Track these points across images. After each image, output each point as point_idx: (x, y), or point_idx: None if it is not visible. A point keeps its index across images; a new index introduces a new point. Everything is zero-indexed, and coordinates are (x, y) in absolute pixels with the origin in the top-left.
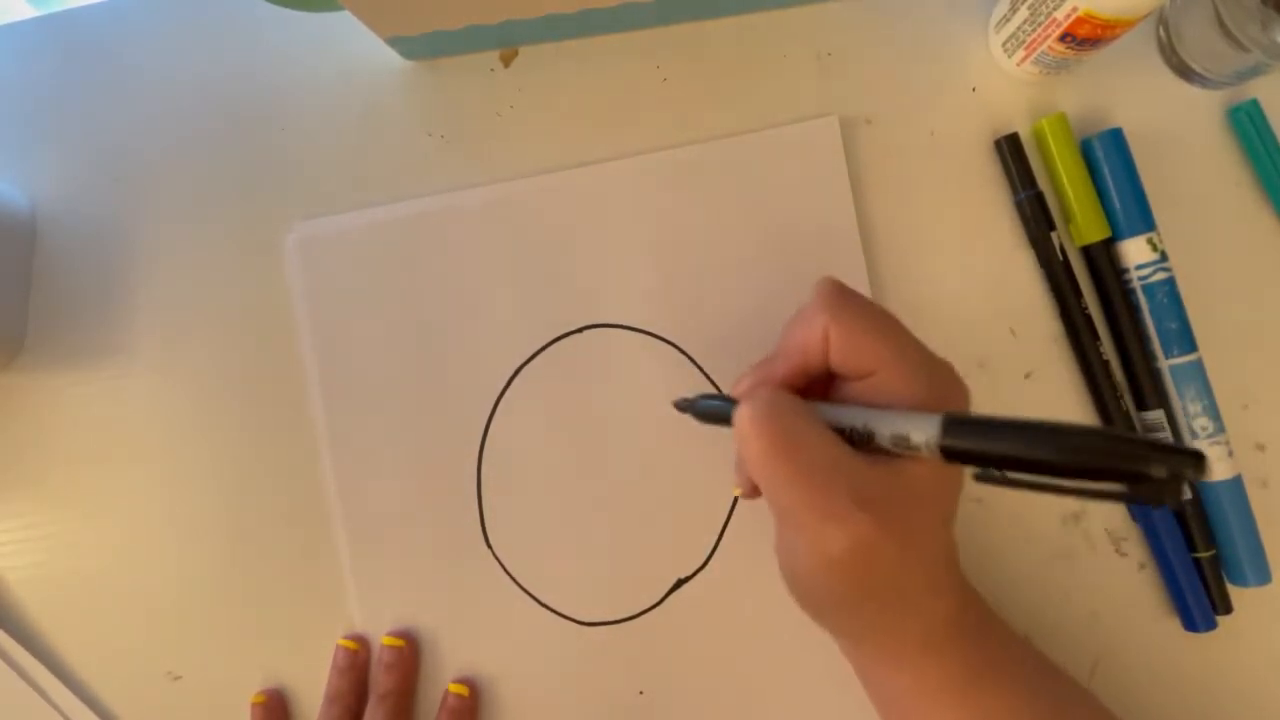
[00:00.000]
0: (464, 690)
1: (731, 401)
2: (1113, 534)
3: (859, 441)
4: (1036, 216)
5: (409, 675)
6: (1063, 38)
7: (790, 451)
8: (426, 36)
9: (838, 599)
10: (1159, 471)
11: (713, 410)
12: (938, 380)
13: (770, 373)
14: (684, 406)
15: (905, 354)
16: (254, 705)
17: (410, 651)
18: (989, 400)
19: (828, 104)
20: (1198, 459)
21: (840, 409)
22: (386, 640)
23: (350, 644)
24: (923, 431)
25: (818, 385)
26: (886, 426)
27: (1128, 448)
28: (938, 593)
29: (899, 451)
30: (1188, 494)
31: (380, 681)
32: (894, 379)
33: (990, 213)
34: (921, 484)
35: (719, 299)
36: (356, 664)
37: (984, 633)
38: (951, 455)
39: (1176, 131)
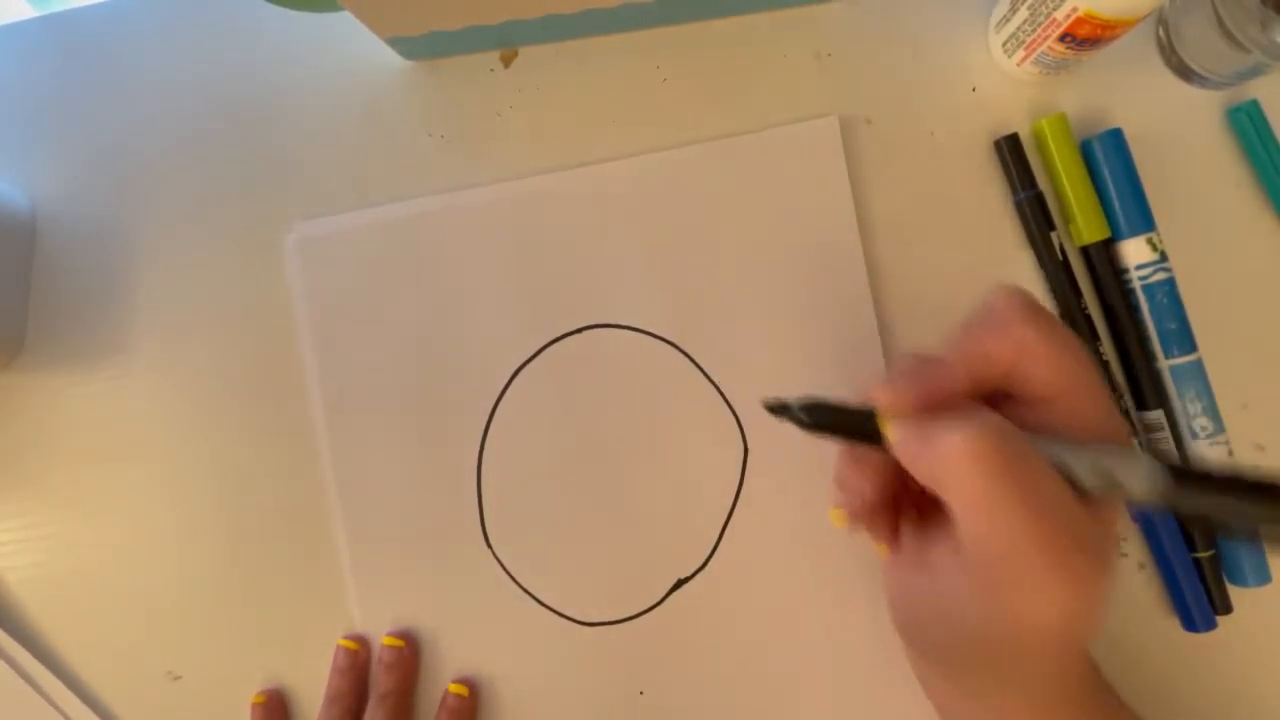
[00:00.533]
0: (463, 690)
1: (867, 413)
2: None
3: None
4: (1036, 216)
5: (409, 675)
6: (1063, 38)
7: (1025, 493)
8: (426, 36)
9: (995, 661)
10: None
11: (834, 420)
12: (1117, 413)
13: (938, 385)
14: (778, 409)
15: (1094, 378)
16: (254, 705)
17: (410, 651)
18: None
19: (828, 104)
20: None
21: (1037, 439)
22: (387, 640)
23: (350, 644)
24: (1137, 476)
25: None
26: (1087, 463)
27: None
28: (1078, 656)
29: (1095, 493)
30: None
31: (380, 681)
32: (1085, 406)
33: (990, 213)
34: (1112, 528)
35: (719, 299)
36: (357, 664)
37: (1098, 702)
38: (1173, 507)
39: (1176, 131)
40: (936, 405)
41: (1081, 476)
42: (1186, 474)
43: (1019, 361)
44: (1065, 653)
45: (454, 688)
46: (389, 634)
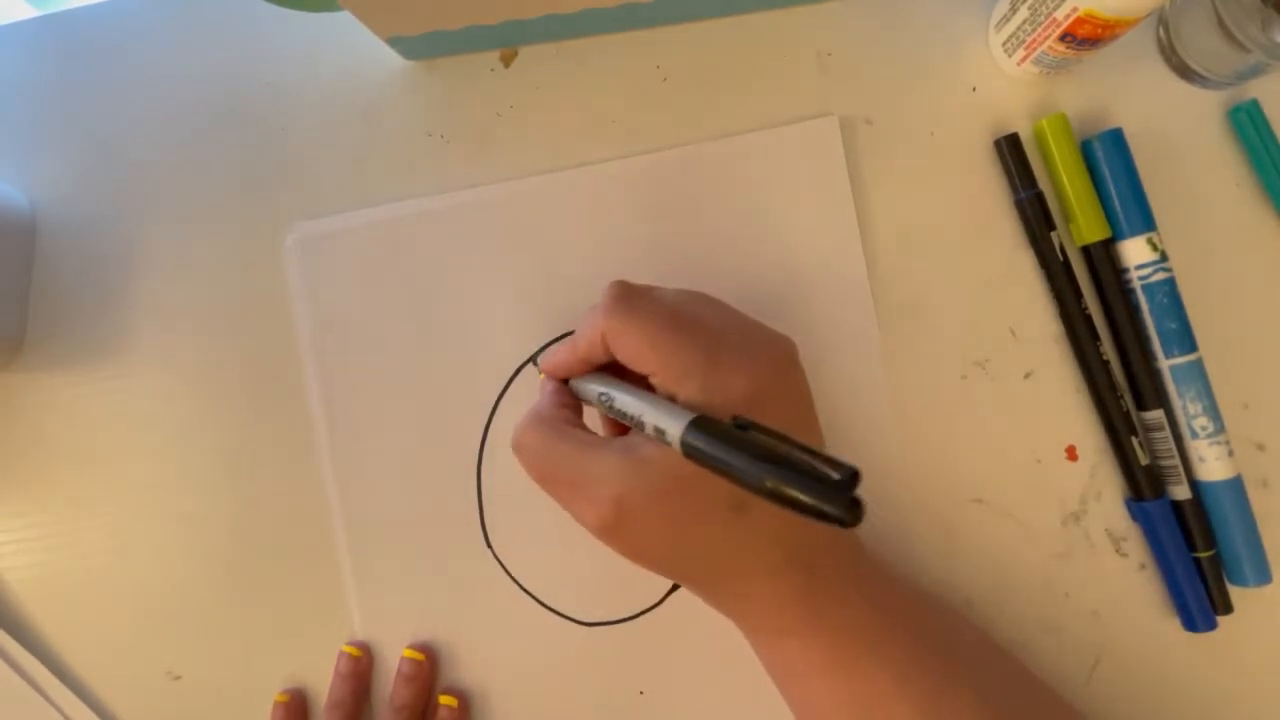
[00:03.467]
0: (453, 701)
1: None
2: (1113, 534)
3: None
4: (1036, 216)
5: (427, 689)
6: (1063, 38)
7: (543, 472)
8: (426, 36)
9: (638, 556)
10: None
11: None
12: (715, 382)
13: (563, 358)
14: (533, 359)
15: (674, 361)
16: (276, 704)
17: (429, 665)
18: (989, 400)
19: (828, 104)
20: (854, 507)
21: (625, 393)
22: (408, 653)
23: (354, 650)
24: (673, 429)
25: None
26: (650, 419)
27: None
28: (761, 572)
29: (658, 439)
30: None
31: (398, 693)
32: (667, 381)
33: (990, 213)
34: (683, 475)
35: (719, 299)
36: (359, 670)
37: (850, 605)
38: (690, 455)
39: (1176, 131)
40: (570, 372)
41: (649, 430)
42: (704, 428)
43: (610, 345)
44: (680, 567)
45: (444, 699)
46: (410, 646)
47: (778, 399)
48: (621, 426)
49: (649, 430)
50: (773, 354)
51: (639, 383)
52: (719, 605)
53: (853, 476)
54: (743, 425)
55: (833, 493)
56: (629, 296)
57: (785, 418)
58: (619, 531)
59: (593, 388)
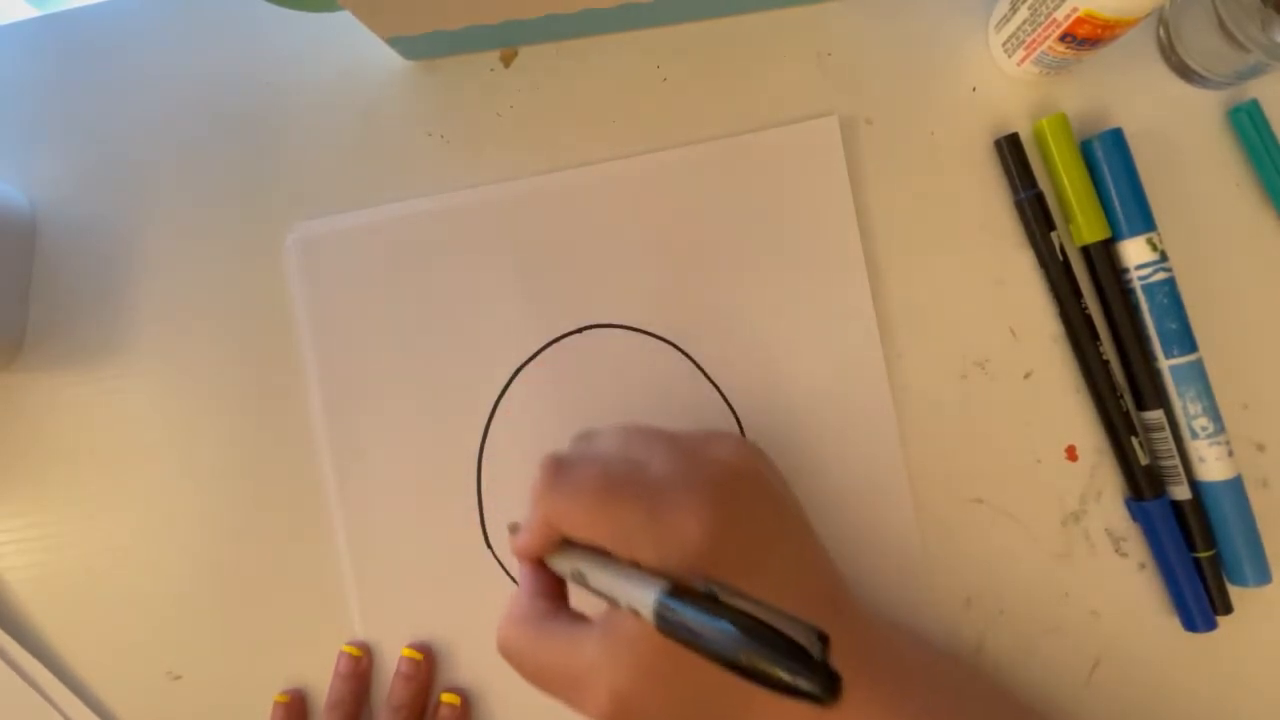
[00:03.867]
0: (455, 700)
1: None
2: (1113, 534)
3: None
4: (1036, 216)
5: (425, 689)
6: (1063, 38)
7: (534, 674)
8: (426, 36)
9: None
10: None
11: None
12: (665, 539)
13: (527, 543)
14: (511, 529)
15: (617, 528)
16: (276, 704)
17: (428, 665)
18: (989, 400)
19: (828, 104)
20: (833, 684)
21: (596, 569)
22: (406, 652)
23: (354, 650)
24: (645, 606)
25: None
26: (624, 598)
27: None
28: (770, 703)
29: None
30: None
31: (396, 693)
32: (620, 551)
33: (990, 213)
34: (667, 645)
35: (719, 299)
36: (359, 671)
37: (867, 704)
38: (666, 633)
39: (1176, 131)
40: (539, 552)
41: (625, 607)
42: (681, 606)
43: (556, 526)
44: None
45: (446, 697)
46: (409, 645)
47: (741, 533)
48: None
49: (625, 609)
50: (726, 479)
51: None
52: None
53: (821, 640)
54: (710, 593)
55: (802, 666)
56: (555, 472)
57: (755, 547)
58: (626, 718)
59: (565, 566)
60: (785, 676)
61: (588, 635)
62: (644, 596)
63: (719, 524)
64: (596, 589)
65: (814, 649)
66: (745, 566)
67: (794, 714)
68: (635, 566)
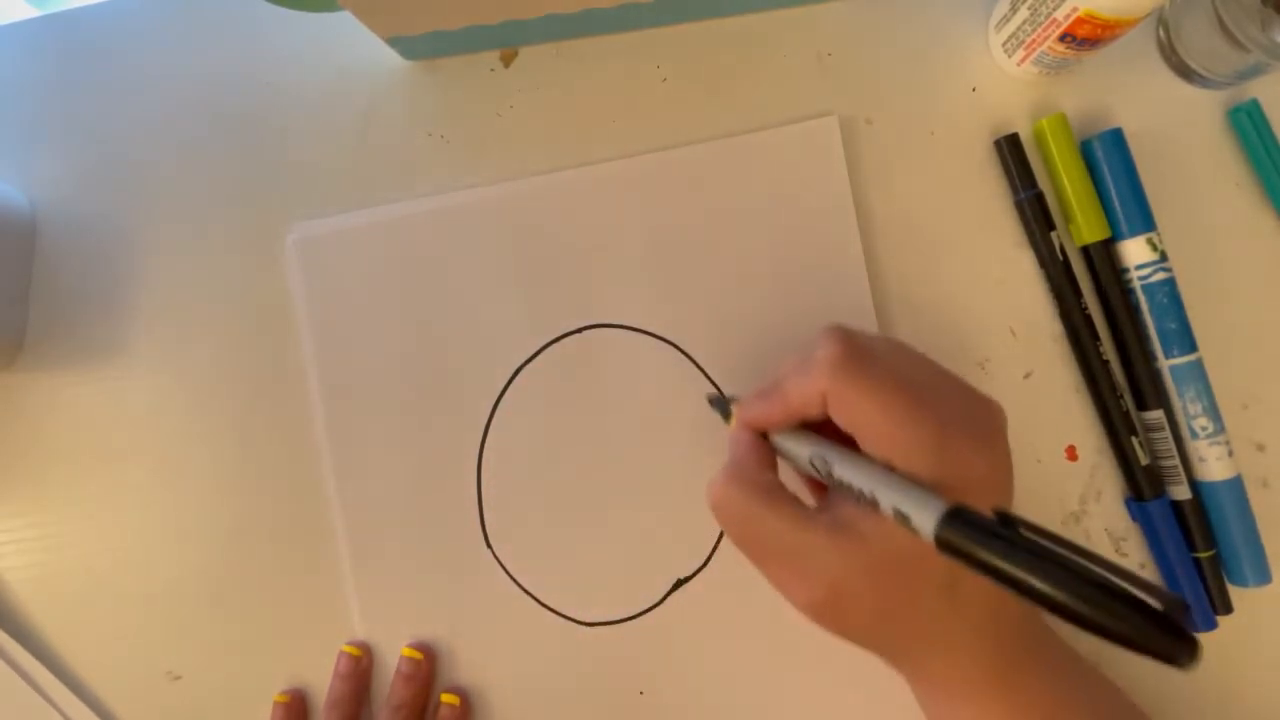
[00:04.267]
0: (455, 700)
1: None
2: (1113, 534)
3: (853, 495)
4: (1036, 216)
5: (425, 688)
6: (1063, 38)
7: (748, 539)
8: (426, 36)
9: (842, 633)
10: (1163, 650)
11: (725, 409)
12: (949, 458)
13: (770, 413)
14: (713, 401)
15: (908, 427)
16: (276, 704)
17: (428, 664)
18: None
19: (828, 104)
20: (1192, 648)
21: (848, 463)
22: (406, 651)
23: (354, 650)
24: (923, 517)
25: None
26: (887, 499)
27: (1135, 622)
28: (955, 646)
29: (898, 522)
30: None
31: (396, 692)
32: (895, 453)
33: (990, 213)
34: (901, 555)
35: (719, 299)
36: (359, 671)
37: (1032, 676)
38: (947, 549)
39: (1176, 131)
40: (773, 427)
41: (885, 509)
42: (966, 521)
43: (828, 405)
44: (878, 639)
45: (446, 697)
46: (409, 645)
47: (1007, 484)
48: (818, 483)
49: (885, 510)
50: (996, 428)
51: (844, 442)
52: (904, 672)
53: (1183, 608)
54: (1006, 520)
55: (1163, 629)
56: (857, 355)
57: (1005, 500)
58: (829, 612)
59: (803, 449)
60: (1138, 635)
61: (817, 521)
62: (923, 509)
63: (995, 473)
64: (843, 482)
65: (1169, 607)
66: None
67: (965, 656)
68: (890, 469)
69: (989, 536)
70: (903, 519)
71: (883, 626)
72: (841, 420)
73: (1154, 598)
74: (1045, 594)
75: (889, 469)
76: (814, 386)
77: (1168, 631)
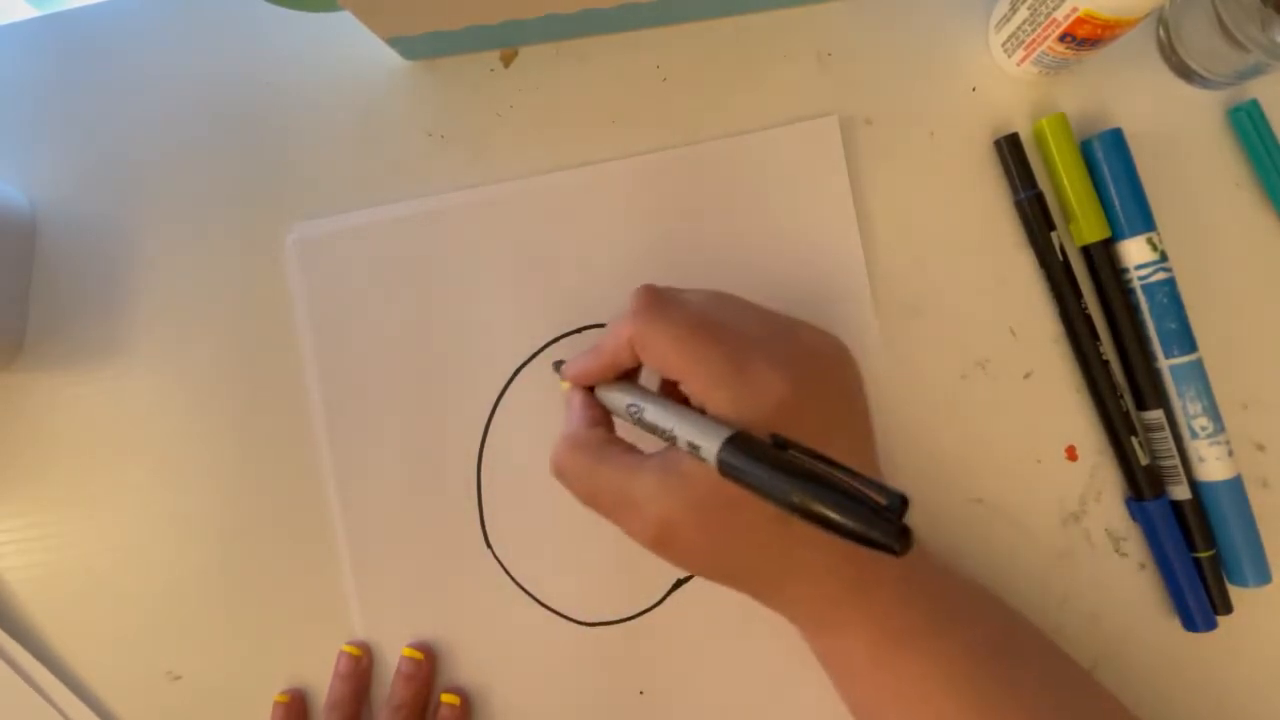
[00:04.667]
0: (455, 700)
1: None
2: (1113, 534)
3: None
4: (1036, 216)
5: (425, 688)
6: (1062, 38)
7: (590, 495)
8: (426, 36)
9: (685, 565)
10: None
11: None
12: (746, 385)
13: (588, 367)
14: (556, 366)
15: (701, 369)
16: (276, 704)
17: (429, 664)
18: (989, 400)
19: (828, 104)
20: (904, 535)
21: (654, 405)
22: (407, 651)
23: (354, 650)
24: (709, 447)
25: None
26: (683, 434)
27: (867, 524)
28: (811, 574)
29: (692, 455)
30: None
31: (397, 692)
32: (696, 390)
33: (990, 213)
34: (725, 488)
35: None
36: (359, 671)
37: (903, 601)
38: (727, 473)
39: (1176, 131)
40: (594, 379)
41: (682, 445)
42: (741, 446)
43: (638, 352)
44: (728, 573)
45: (446, 697)
46: (409, 645)
47: (816, 406)
48: None
49: (681, 445)
50: (810, 357)
51: (670, 389)
52: (773, 606)
53: (901, 503)
54: (780, 444)
55: (879, 519)
56: (657, 302)
57: (826, 424)
58: (668, 547)
59: (620, 397)
60: (853, 524)
61: (645, 465)
62: (708, 438)
63: (797, 394)
64: (651, 423)
65: (893, 504)
66: (812, 438)
67: (828, 584)
68: (701, 411)
69: (755, 461)
70: (695, 451)
71: (721, 558)
72: (651, 364)
73: (884, 497)
74: (794, 505)
75: (689, 407)
76: (623, 333)
77: (886, 524)
